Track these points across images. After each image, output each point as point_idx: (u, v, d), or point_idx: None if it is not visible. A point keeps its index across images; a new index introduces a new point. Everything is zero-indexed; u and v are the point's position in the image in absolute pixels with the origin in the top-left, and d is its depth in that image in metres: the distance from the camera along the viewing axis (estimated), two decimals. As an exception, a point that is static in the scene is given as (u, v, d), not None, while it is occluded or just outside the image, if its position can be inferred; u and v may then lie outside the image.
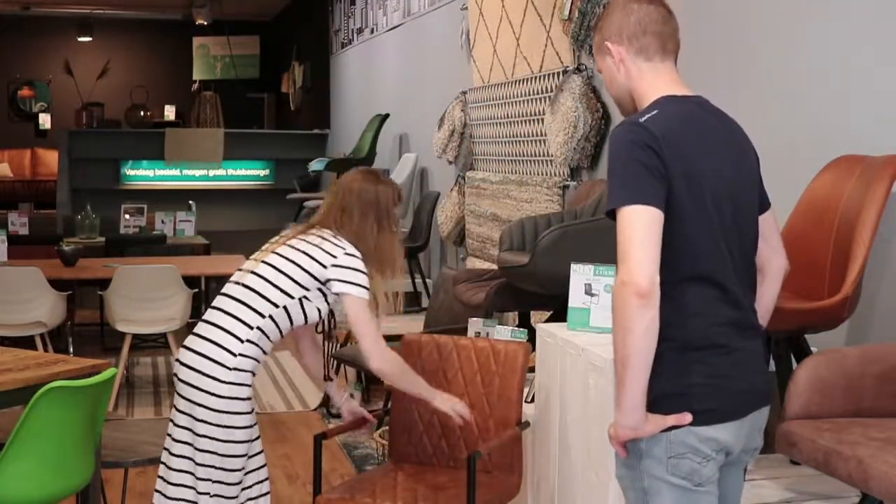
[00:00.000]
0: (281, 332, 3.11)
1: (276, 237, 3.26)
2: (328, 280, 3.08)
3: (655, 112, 2.10)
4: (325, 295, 3.13)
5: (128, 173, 12.64)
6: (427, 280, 7.28)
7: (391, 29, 9.17)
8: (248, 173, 12.83)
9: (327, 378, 3.54)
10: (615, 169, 2.07)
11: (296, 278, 3.08)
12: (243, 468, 3.11)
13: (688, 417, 2.06)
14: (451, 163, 7.13)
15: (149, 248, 8.03)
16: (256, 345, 3.06)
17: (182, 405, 3.07)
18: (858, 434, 2.28)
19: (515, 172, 6.07)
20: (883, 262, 3.07)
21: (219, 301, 3.12)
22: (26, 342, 6.00)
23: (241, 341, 3.03)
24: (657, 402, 2.06)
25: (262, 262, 3.11)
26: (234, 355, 3.01)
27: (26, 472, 3.10)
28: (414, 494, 3.27)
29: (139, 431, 3.95)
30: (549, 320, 4.06)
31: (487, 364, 3.52)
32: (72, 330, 6.97)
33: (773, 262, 2.28)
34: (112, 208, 9.87)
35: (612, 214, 2.05)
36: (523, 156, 5.97)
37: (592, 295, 3.37)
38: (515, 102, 6.05)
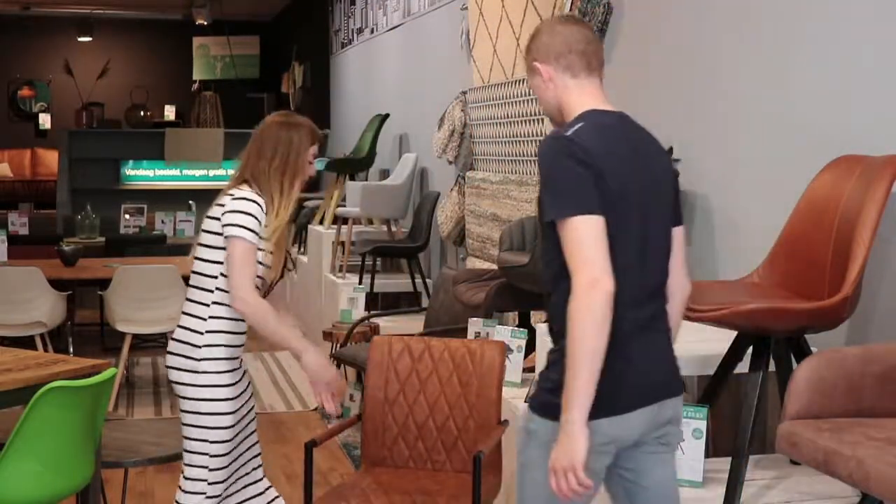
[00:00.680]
0: None
1: None
2: (224, 227, 3.14)
3: (581, 125, 2.24)
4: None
5: (128, 173, 12.63)
6: (427, 280, 7.28)
7: (391, 29, 9.17)
8: (248, 173, 12.79)
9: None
10: (555, 180, 2.19)
11: (211, 243, 3.18)
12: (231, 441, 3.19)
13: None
14: (451, 163, 7.12)
15: (149, 248, 8.04)
16: (221, 318, 3.16)
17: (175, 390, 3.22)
18: (858, 434, 2.28)
19: (515, 172, 6.06)
20: (883, 262, 3.07)
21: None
22: (26, 342, 6.00)
23: (204, 319, 3.16)
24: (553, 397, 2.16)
25: (198, 244, 3.22)
26: (202, 333, 3.15)
27: (26, 472, 3.10)
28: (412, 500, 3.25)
29: (139, 431, 3.95)
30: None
31: (464, 364, 3.52)
32: (72, 330, 6.97)
33: (674, 279, 2.38)
34: (112, 208, 9.88)
35: (550, 224, 2.18)
36: (523, 156, 5.97)
37: (592, 295, 3.36)
38: (515, 102, 6.05)
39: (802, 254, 2.92)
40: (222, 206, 3.16)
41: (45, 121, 16.05)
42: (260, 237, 3.12)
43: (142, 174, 12.67)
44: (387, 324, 6.38)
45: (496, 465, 3.43)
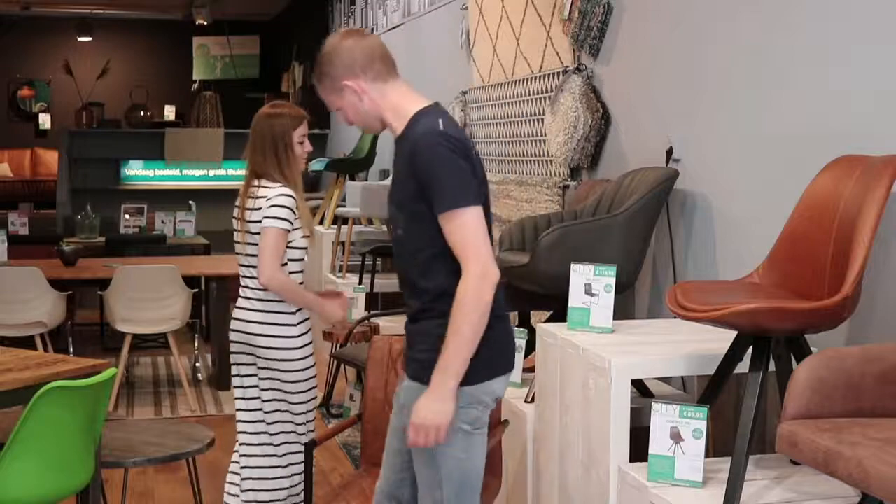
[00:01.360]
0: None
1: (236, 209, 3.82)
2: (264, 219, 3.67)
3: (441, 120, 2.42)
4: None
5: (128, 173, 12.63)
6: (427, 280, 7.28)
7: (391, 29, 9.17)
8: (248, 173, 12.79)
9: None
10: (447, 173, 2.36)
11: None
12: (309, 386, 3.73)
13: None
14: (451, 163, 7.13)
15: (149, 248, 8.03)
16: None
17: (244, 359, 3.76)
18: (858, 434, 2.28)
19: (515, 172, 6.06)
20: (883, 262, 3.07)
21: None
22: (26, 342, 6.00)
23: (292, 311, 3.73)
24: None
25: (247, 243, 3.71)
26: (293, 313, 3.71)
27: (26, 472, 3.10)
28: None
29: (139, 431, 3.95)
30: (549, 320, 4.05)
31: None
32: (72, 330, 6.98)
33: None
34: (112, 208, 9.87)
35: (423, 213, 2.37)
36: (523, 156, 5.97)
37: (592, 295, 3.37)
38: (515, 102, 6.05)
39: (802, 254, 2.92)
40: (260, 206, 3.67)
41: (45, 121, 16.05)
42: (292, 225, 3.65)
43: (142, 174, 12.67)
44: (387, 324, 6.38)
45: (496, 465, 3.42)
